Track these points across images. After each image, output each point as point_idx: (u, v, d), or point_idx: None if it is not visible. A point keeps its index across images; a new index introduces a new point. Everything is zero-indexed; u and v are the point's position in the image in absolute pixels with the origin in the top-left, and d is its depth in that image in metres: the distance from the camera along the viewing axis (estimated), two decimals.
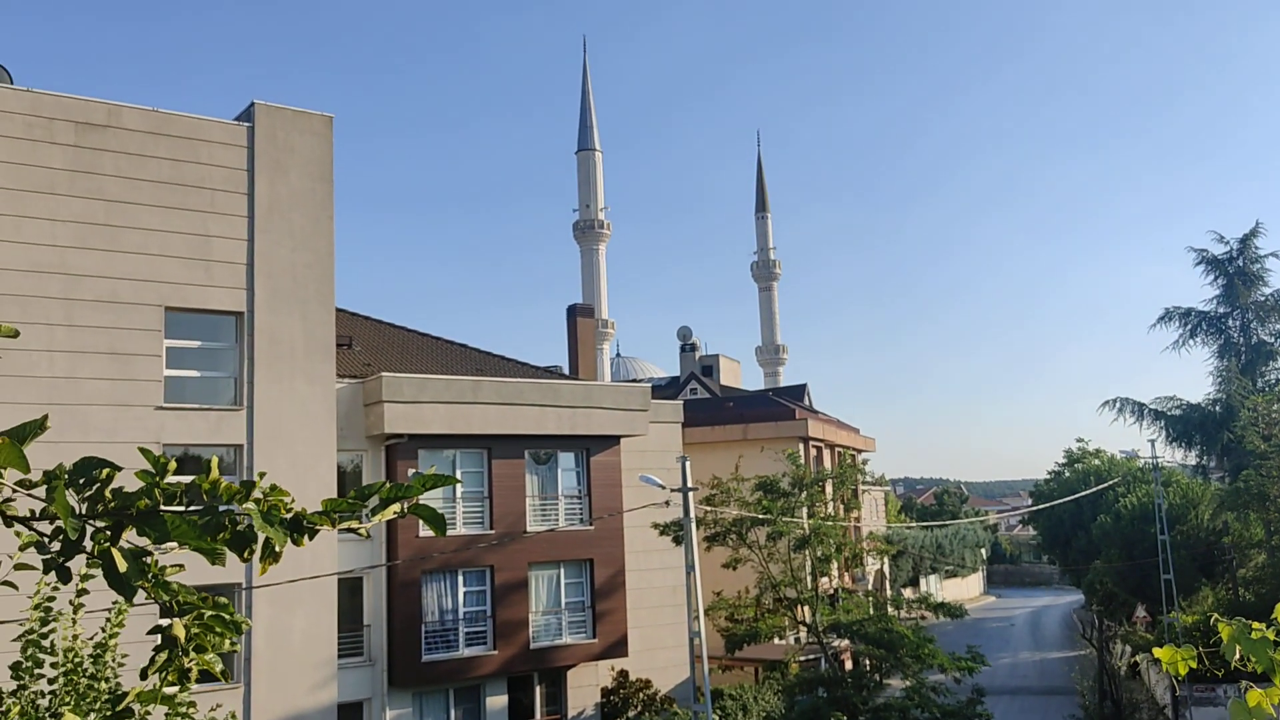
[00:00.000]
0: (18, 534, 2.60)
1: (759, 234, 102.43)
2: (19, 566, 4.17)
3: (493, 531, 29.53)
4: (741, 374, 70.26)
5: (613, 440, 32.49)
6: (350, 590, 27.51)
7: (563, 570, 31.36)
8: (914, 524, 74.89)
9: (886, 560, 58.51)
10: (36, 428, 2.39)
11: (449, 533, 27.72)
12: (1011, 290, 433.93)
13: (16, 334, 3.95)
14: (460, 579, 29.35)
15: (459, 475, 29.86)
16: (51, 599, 6.65)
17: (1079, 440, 68.42)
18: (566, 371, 42.12)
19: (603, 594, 31.72)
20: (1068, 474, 64.96)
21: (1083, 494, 51.55)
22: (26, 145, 21.79)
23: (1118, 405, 51.02)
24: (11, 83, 23.45)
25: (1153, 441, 45.56)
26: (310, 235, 25.30)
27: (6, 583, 2.94)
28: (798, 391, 59.81)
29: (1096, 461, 63.98)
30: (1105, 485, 53.53)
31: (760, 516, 33.56)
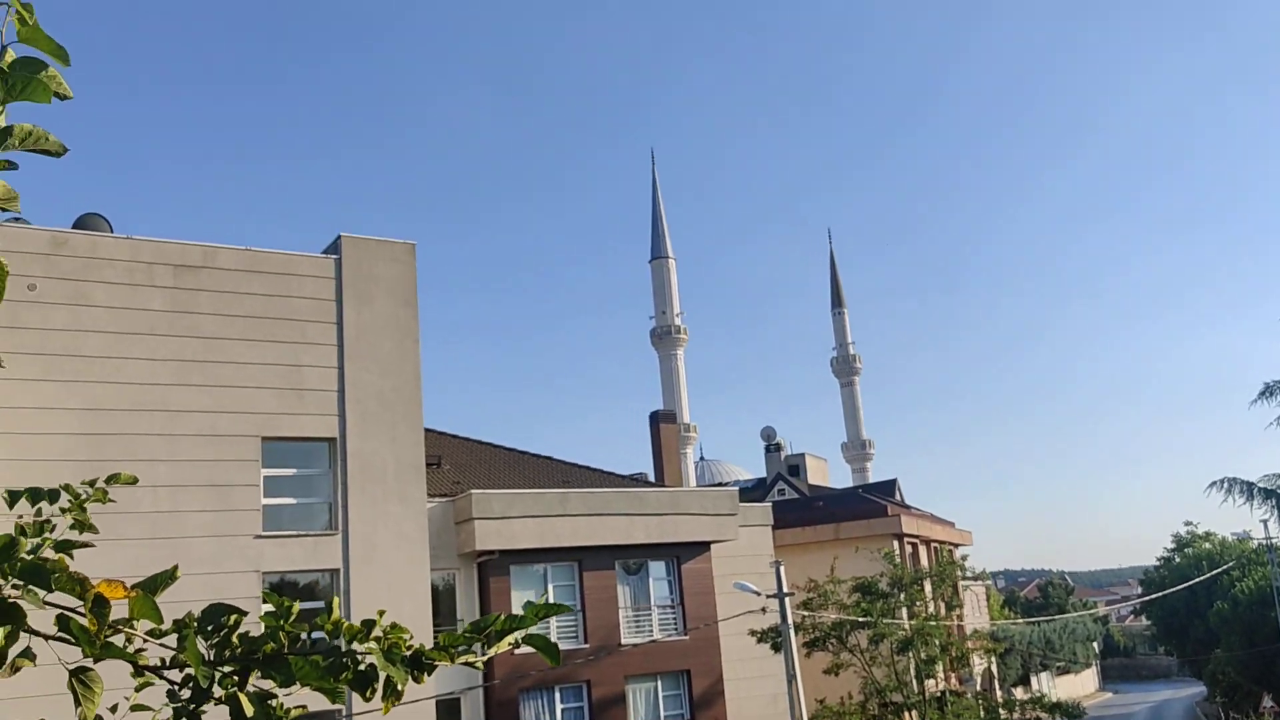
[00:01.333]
0: (134, 676, 2.68)
1: (836, 330, 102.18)
2: (136, 708, 4.25)
3: (587, 645, 29.22)
4: (829, 472, 69.33)
5: (703, 547, 32.15)
6: (448, 711, 27.33)
7: (660, 683, 30.80)
8: (1020, 619, 72.21)
9: (994, 659, 56.37)
10: (167, 578, 2.48)
11: None
12: (1106, 375, 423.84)
13: (135, 481, 4.12)
14: (557, 696, 28.98)
15: (550, 589, 29.77)
16: None
17: (1187, 523, 65.90)
18: (652, 479, 42.03)
19: (702, 706, 31.01)
20: (1178, 559, 62.40)
21: (1196, 580, 49.39)
22: (127, 290, 22.84)
23: (1225, 485, 49.12)
24: (112, 231, 24.73)
25: (1265, 521, 43.66)
26: (396, 359, 25.92)
27: None
28: (888, 487, 58.75)
29: (1208, 545, 61.41)
30: (1220, 570, 51.25)
31: (860, 619, 32.72)
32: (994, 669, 59.94)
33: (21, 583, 2.17)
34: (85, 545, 3.31)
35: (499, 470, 33.58)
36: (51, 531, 3.74)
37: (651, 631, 31.13)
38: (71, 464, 20.02)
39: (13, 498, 3.67)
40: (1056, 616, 75.68)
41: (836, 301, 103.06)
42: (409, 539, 25.32)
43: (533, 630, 2.77)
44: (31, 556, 2.32)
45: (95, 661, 2.30)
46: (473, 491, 28.36)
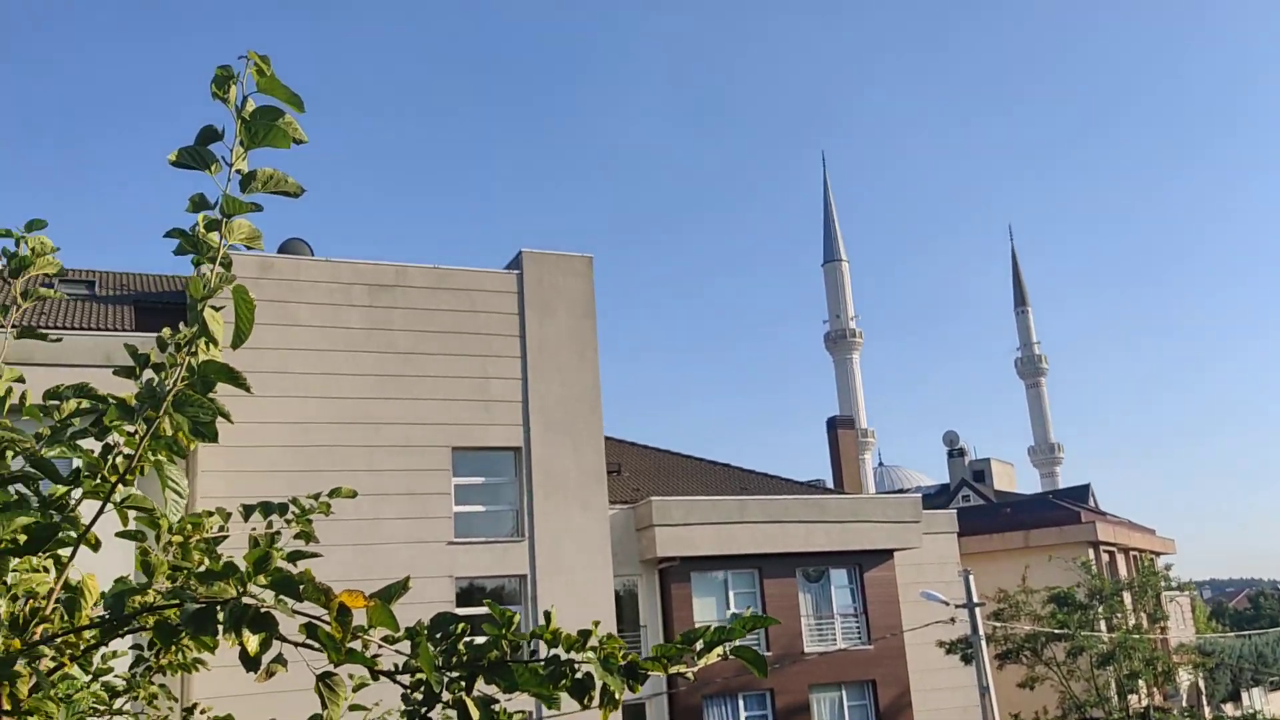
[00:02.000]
0: (372, 680, 2.85)
1: (1020, 329, 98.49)
2: (354, 708, 4.50)
3: (770, 653, 29.08)
4: (1015, 477, 66.84)
5: (885, 554, 31.51)
6: (634, 716, 27.69)
7: (845, 692, 30.34)
8: (1229, 632, 67.76)
9: (1201, 674, 53.06)
10: (400, 589, 2.62)
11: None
12: None
13: (355, 494, 4.36)
14: (741, 703, 28.94)
15: (731, 596, 29.77)
16: None
17: None
18: (830, 485, 41.49)
19: (888, 717, 30.38)
20: None
21: None
22: (329, 309, 24.17)
23: None
24: (312, 254, 26.21)
25: None
26: (577, 369, 26.51)
27: None
28: (1080, 493, 56.15)
29: None
30: None
31: (1056, 631, 31.39)
32: (1201, 684, 56.38)
33: (274, 592, 2.34)
34: (314, 555, 3.54)
35: (677, 477, 33.82)
36: (279, 542, 4.01)
37: (835, 640, 30.71)
38: (280, 475, 21.32)
39: (247, 511, 3.95)
40: (1269, 629, 70.61)
41: (1019, 299, 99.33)
42: (592, 545, 25.81)
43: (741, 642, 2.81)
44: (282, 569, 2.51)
45: (335, 665, 2.46)
46: (653, 499, 28.66)
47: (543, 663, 2.60)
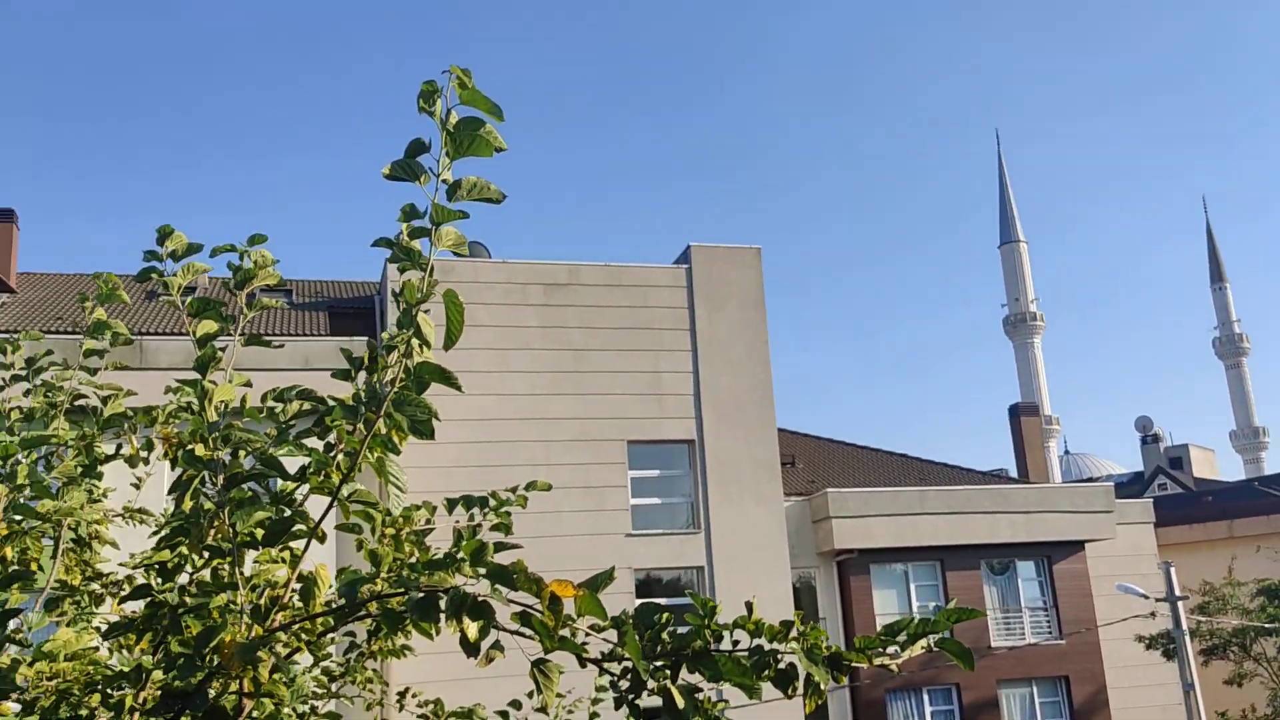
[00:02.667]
0: (580, 667, 2.93)
1: (1217, 307, 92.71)
2: (596, 700, 4.62)
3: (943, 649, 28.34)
4: (1217, 464, 63.00)
5: (1075, 546, 30.23)
6: (815, 709, 27.46)
7: (1035, 688, 29.29)
8: None
9: None
10: (606, 578, 2.70)
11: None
12: None
13: (549, 487, 4.49)
14: (926, 697, 28.32)
15: (912, 589, 29.17)
16: None
17: None
18: (1013, 474, 40.07)
19: (1084, 714, 29.15)
20: None
21: None
22: (506, 309, 24.90)
23: None
24: (490, 256, 27.03)
25: None
26: (748, 361, 26.48)
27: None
28: None
29: None
30: None
31: (1267, 625, 29.48)
32: None
33: (490, 582, 2.45)
34: (514, 546, 3.66)
35: (852, 468, 33.35)
36: (478, 534, 4.16)
37: (1023, 634, 29.68)
38: (462, 470, 22.08)
39: (451, 505, 4.12)
40: None
41: (1216, 275, 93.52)
42: (768, 537, 25.74)
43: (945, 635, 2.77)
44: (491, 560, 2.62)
45: (546, 652, 2.55)
46: (828, 490, 28.35)
47: (746, 653, 2.63)
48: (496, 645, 2.47)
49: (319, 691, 4.53)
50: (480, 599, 2.43)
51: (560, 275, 25.74)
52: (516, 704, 5.36)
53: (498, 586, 2.46)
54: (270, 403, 3.53)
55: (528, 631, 2.54)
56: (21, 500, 3.41)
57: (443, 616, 2.39)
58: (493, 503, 4.37)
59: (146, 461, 4.41)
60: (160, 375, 4.84)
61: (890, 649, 2.75)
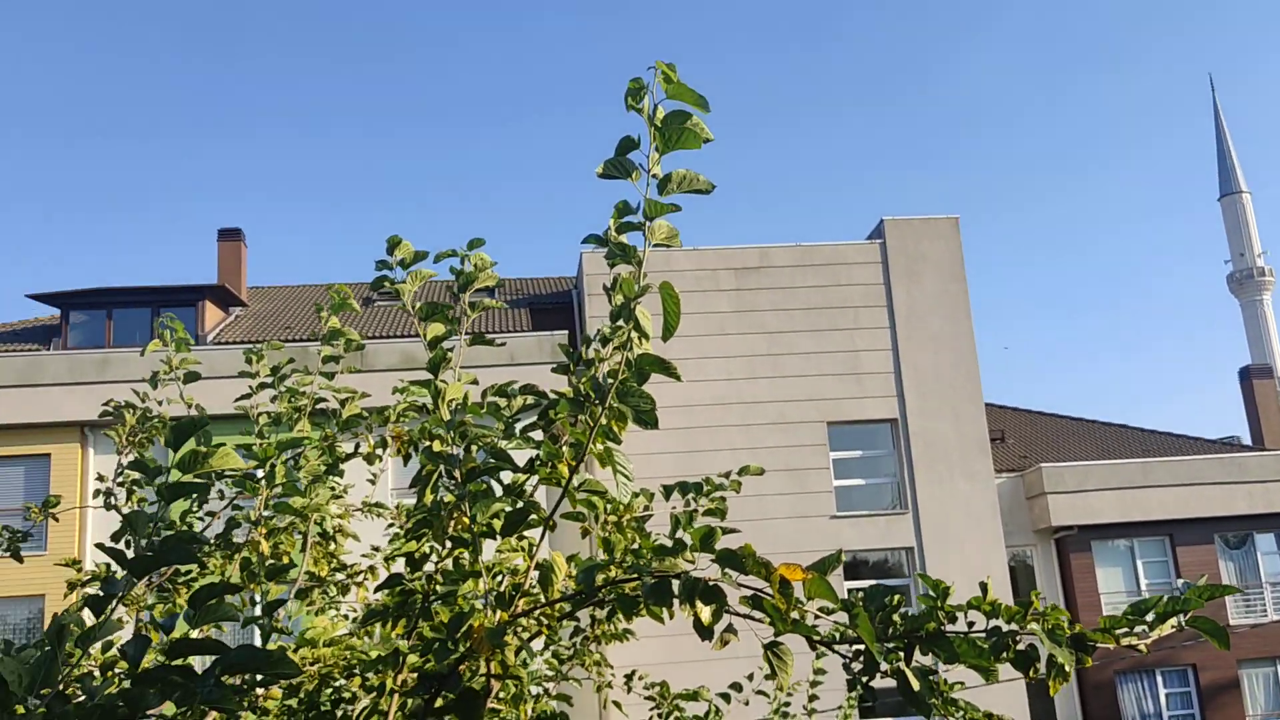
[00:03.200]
0: (810, 649, 2.94)
1: None
2: (814, 684, 4.62)
3: (1187, 628, 26.73)
4: None
5: None
6: (1038, 691, 26.50)
7: None
8: None
9: None
10: (834, 561, 2.69)
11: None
12: None
13: (762, 471, 4.50)
14: (1159, 679, 26.85)
15: (1139, 566, 27.70)
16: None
17: None
18: (1246, 442, 37.37)
19: None
20: None
21: None
22: (699, 296, 25.04)
23: None
24: (681, 245, 27.21)
25: None
26: (950, 335, 25.70)
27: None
28: None
29: None
30: None
31: None
32: None
33: (720, 566, 2.50)
34: (733, 531, 3.70)
35: (1067, 442, 31.89)
36: (694, 520, 4.22)
37: (1265, 612, 27.72)
38: (666, 456, 22.36)
39: (667, 491, 4.19)
40: None
41: None
42: (979, 516, 24.95)
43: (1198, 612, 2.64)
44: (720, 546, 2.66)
45: (776, 635, 2.58)
46: (1042, 465, 27.25)
47: (983, 634, 2.58)
48: (730, 629, 2.52)
49: (549, 674, 4.71)
50: (711, 583, 2.48)
51: (751, 259, 25.68)
52: (737, 686, 5.42)
53: (727, 570, 2.51)
54: (491, 398, 3.70)
55: (758, 615, 2.57)
56: (277, 499, 3.68)
57: (676, 601, 2.46)
58: (706, 488, 4.42)
59: (380, 459, 4.69)
60: (380, 377, 5.13)
61: (1138, 629, 2.65)
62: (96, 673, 3.11)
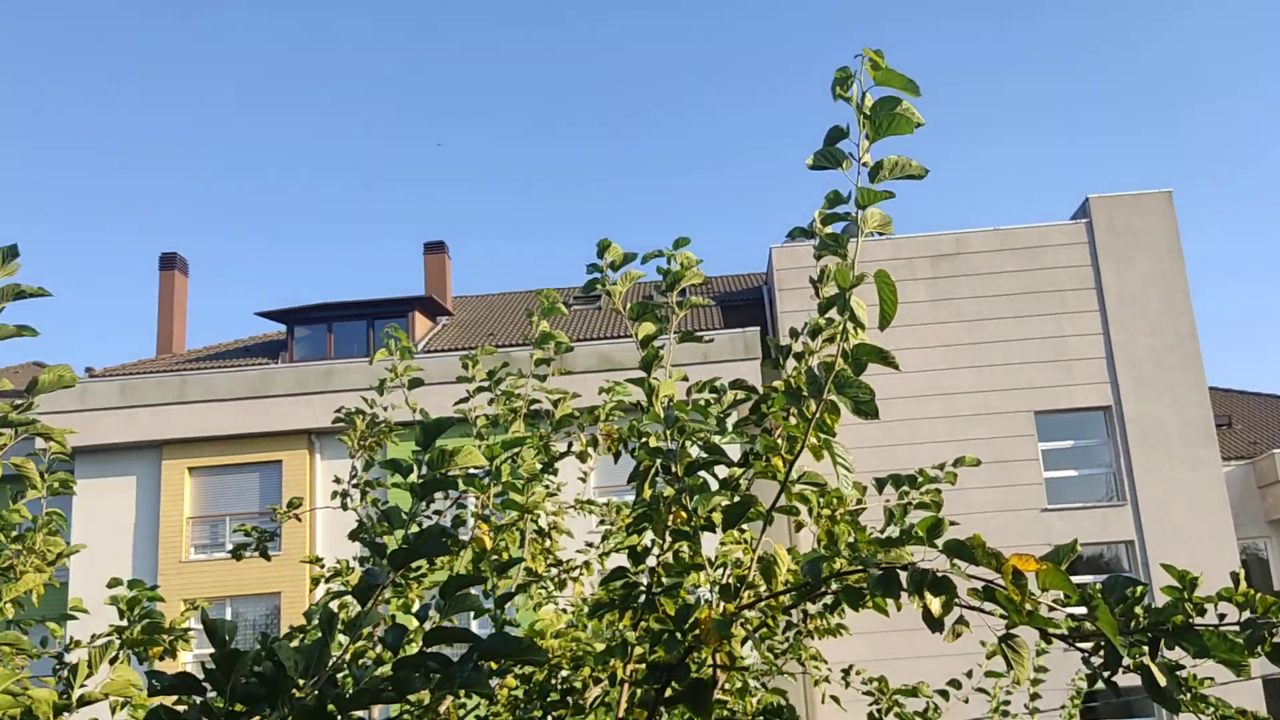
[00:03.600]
0: (1042, 641, 2.83)
1: None
2: (1036, 682, 4.47)
3: None
4: None
5: None
6: (1274, 691, 24.66)
7: None
8: None
9: None
10: (1068, 551, 2.61)
11: None
12: None
13: (978, 463, 4.37)
14: None
15: None
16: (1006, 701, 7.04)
17: None
18: None
19: None
20: None
21: None
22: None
23: None
24: (894, 233, 26.72)
25: None
26: (1166, 316, 24.23)
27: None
28: None
29: None
30: None
31: None
32: None
33: (947, 557, 2.45)
34: (954, 523, 3.61)
35: None
36: (908, 512, 4.14)
37: None
38: (867, 450, 22.00)
39: (880, 484, 4.13)
40: None
41: None
42: (1206, 507, 23.41)
43: None
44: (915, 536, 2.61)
45: (1009, 628, 2.51)
46: (1275, 452, 25.35)
47: (1235, 627, 2.45)
48: (961, 620, 2.47)
49: (763, 668, 4.72)
50: (940, 574, 2.44)
51: (947, 245, 24.93)
52: (955, 683, 5.30)
53: (956, 562, 2.46)
54: (695, 395, 3.75)
55: (988, 607, 2.52)
56: (502, 497, 3.84)
57: (904, 593, 2.43)
58: (920, 480, 4.34)
59: (591, 457, 4.82)
60: (579, 379, 5.26)
61: None
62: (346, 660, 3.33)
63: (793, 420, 3.00)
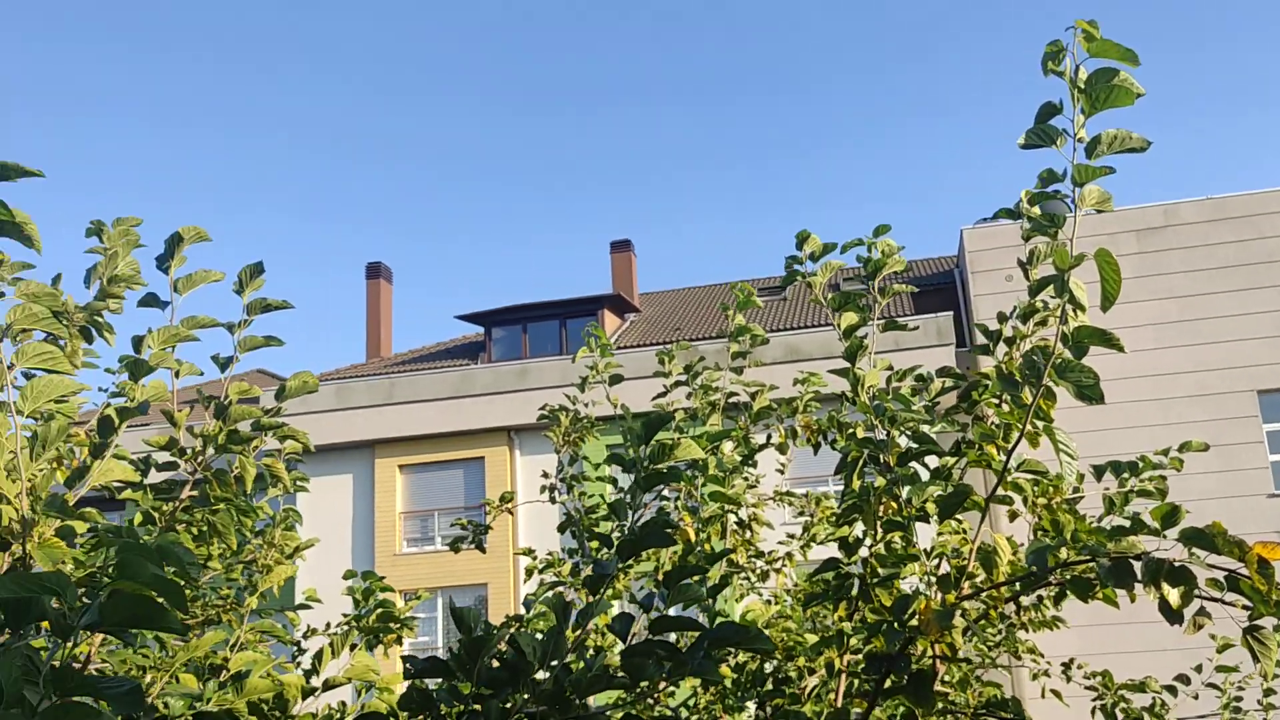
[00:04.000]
0: None
1: None
2: (1220, 669, 4.23)
3: None
4: None
5: None
6: None
7: None
8: None
9: None
10: None
11: None
12: None
13: (1206, 447, 4.15)
14: None
15: None
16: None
17: None
18: None
19: None
20: None
21: None
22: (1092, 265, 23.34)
23: None
24: (1114, 209, 25.52)
25: None
26: None
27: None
28: None
29: None
30: None
31: None
32: None
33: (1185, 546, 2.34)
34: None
35: None
36: (1129, 500, 3.95)
37: None
38: (1076, 436, 21.03)
39: (1099, 471, 3.98)
40: None
41: None
42: None
43: None
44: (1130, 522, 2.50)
45: (1253, 619, 2.37)
46: None
47: None
48: (1203, 612, 2.36)
49: (977, 660, 4.61)
50: (1177, 564, 2.34)
51: (1155, 218, 23.55)
52: (1184, 679, 5.03)
53: (1194, 551, 2.35)
54: (896, 384, 3.70)
55: (1230, 598, 2.39)
56: (710, 490, 3.89)
57: (1138, 583, 2.34)
58: (1142, 466, 4.16)
59: (790, 448, 4.81)
60: (765, 371, 5.25)
61: None
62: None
63: (1006, 407, 2.93)
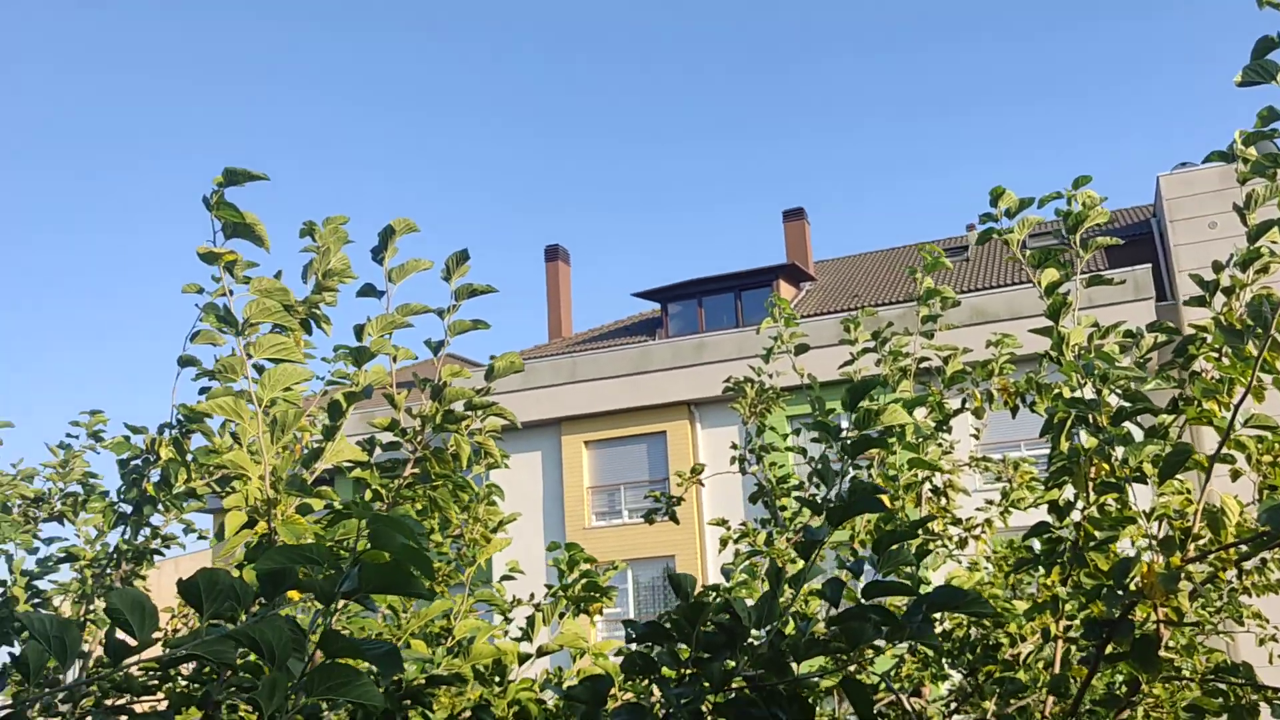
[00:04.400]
0: None
1: None
2: None
3: None
4: None
5: None
6: None
7: None
8: None
9: None
10: None
11: None
12: None
13: None
14: None
15: None
16: None
17: None
18: None
19: None
20: None
21: None
22: None
23: None
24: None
25: None
26: None
27: None
28: None
29: None
30: None
31: None
32: None
33: None
34: None
35: None
36: None
37: None
38: None
39: None
40: None
41: None
42: None
43: None
44: None
45: None
46: None
47: None
48: None
49: (1197, 624, 4.41)
50: None
51: None
52: None
53: None
54: (1099, 341, 3.54)
55: None
56: (910, 457, 3.84)
57: None
58: None
59: (985, 412, 4.68)
60: (953, 333, 5.10)
61: None
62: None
63: (1227, 361, 2.78)
